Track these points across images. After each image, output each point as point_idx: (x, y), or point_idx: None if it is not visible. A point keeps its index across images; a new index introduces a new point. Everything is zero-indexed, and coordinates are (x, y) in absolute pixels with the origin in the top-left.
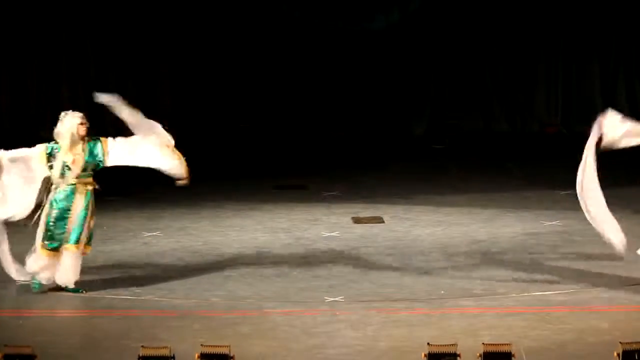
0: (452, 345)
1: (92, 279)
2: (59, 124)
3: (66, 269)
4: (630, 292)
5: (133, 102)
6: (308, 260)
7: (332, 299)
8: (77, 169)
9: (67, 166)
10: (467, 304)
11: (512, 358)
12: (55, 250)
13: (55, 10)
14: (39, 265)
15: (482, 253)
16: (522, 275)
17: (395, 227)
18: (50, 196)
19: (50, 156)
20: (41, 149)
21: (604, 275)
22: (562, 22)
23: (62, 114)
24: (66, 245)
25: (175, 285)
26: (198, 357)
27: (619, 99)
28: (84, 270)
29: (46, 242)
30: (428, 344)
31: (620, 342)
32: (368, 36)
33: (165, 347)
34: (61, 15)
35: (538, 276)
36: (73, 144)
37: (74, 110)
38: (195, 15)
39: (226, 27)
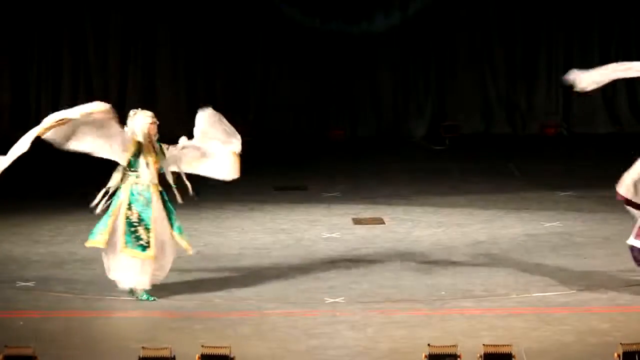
0: (453, 346)
1: (93, 279)
2: (129, 122)
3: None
4: (631, 293)
5: (134, 101)
6: (308, 261)
7: (333, 300)
8: (155, 171)
9: (147, 166)
10: (468, 305)
11: (513, 359)
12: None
13: (55, 9)
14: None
15: (483, 254)
16: (523, 276)
17: (395, 228)
18: (126, 196)
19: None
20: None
21: (605, 276)
22: (561, 23)
23: (132, 112)
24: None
25: (176, 286)
26: (199, 358)
27: (618, 100)
28: (85, 270)
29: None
30: (428, 345)
31: (620, 343)
32: (368, 37)
33: (166, 348)
34: (61, 15)
35: (538, 277)
36: (147, 144)
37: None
38: (196, 12)
39: (227, 26)
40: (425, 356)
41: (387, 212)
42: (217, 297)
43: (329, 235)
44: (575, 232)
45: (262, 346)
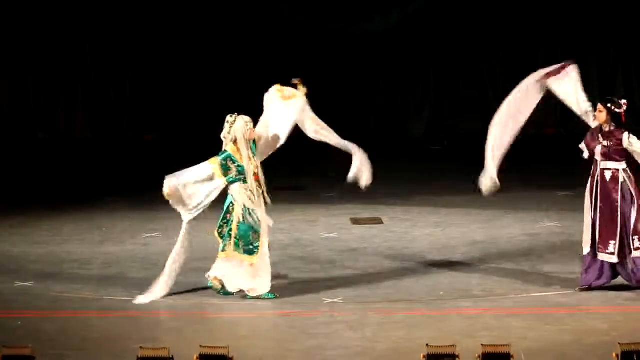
0: (451, 346)
1: (91, 279)
2: (228, 127)
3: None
4: (629, 293)
5: (131, 101)
6: (307, 261)
7: (331, 300)
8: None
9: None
10: (466, 305)
11: (511, 359)
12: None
13: (54, 11)
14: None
15: (481, 254)
16: (521, 276)
17: (394, 228)
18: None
19: (226, 168)
20: (214, 165)
21: None
22: (560, 24)
23: (229, 117)
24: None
25: (175, 286)
26: (197, 358)
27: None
28: (83, 270)
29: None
30: (427, 345)
31: (619, 343)
32: (367, 38)
33: (164, 348)
34: (60, 18)
35: (537, 277)
36: (247, 149)
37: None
38: (195, 15)
39: (225, 26)
40: (424, 356)
41: (385, 212)
42: (216, 297)
43: (327, 235)
44: (574, 232)
45: (261, 346)
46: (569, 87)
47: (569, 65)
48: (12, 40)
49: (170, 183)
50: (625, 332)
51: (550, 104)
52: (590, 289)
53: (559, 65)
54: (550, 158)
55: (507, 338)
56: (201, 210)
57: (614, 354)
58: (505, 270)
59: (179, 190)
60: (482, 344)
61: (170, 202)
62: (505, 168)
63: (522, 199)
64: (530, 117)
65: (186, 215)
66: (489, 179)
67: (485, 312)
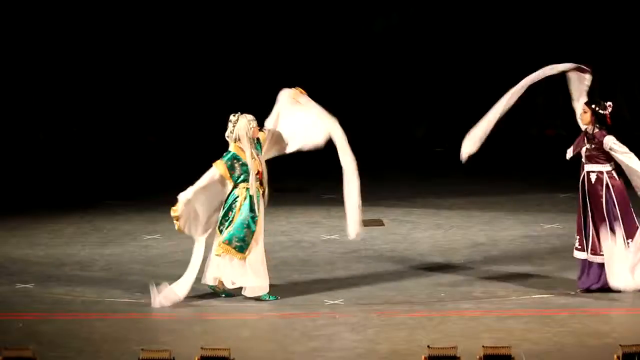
0: (452, 348)
1: (92, 281)
2: (231, 127)
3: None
4: (630, 295)
5: (133, 103)
6: (308, 263)
7: (332, 302)
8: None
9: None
10: (467, 306)
11: None
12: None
13: (56, 13)
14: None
15: (482, 256)
16: (522, 278)
17: (395, 230)
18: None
19: (231, 169)
20: (220, 168)
21: None
22: (561, 25)
23: (232, 116)
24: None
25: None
26: None
27: (617, 102)
28: (84, 272)
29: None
30: (428, 346)
31: (620, 345)
32: (368, 38)
33: (166, 350)
34: (62, 19)
35: (538, 279)
36: (250, 147)
37: None
38: (197, 16)
39: (230, 30)
40: (425, 358)
41: (386, 214)
42: (217, 299)
43: (328, 237)
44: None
45: (262, 348)
46: (579, 90)
47: (587, 72)
48: (14, 41)
49: (180, 202)
50: (627, 333)
51: (550, 105)
52: (590, 291)
53: (578, 65)
54: (551, 159)
55: (508, 340)
56: (212, 226)
57: (616, 356)
58: (507, 272)
59: (187, 205)
60: (483, 346)
61: (179, 224)
62: (506, 168)
63: (523, 200)
64: (531, 118)
65: (199, 232)
66: (471, 141)
67: (487, 313)
